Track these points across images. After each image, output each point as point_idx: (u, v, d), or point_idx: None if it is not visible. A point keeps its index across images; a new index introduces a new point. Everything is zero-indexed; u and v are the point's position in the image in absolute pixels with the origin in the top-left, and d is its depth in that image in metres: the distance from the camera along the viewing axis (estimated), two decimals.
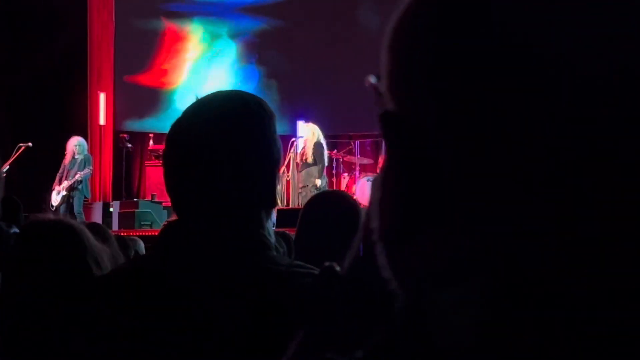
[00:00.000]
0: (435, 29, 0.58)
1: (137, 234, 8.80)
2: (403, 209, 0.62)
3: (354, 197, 12.33)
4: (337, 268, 0.72)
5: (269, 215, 1.58)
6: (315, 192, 11.16)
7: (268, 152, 1.56)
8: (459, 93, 0.56)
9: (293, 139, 11.52)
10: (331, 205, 3.04)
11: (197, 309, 1.45)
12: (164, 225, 8.23)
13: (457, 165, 0.57)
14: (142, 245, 5.44)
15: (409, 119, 0.59)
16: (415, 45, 0.59)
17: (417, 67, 0.59)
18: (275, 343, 1.40)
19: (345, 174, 13.56)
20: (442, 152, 0.57)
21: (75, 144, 12.09)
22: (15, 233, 2.00)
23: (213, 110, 1.60)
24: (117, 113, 15.17)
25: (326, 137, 11.93)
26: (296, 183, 11.38)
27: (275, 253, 1.54)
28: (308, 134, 11.36)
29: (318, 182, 11.32)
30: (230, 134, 1.54)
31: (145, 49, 15.48)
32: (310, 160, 11.19)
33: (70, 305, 1.68)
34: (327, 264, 0.73)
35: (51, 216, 2.22)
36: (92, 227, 3.73)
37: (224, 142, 1.54)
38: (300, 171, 11.24)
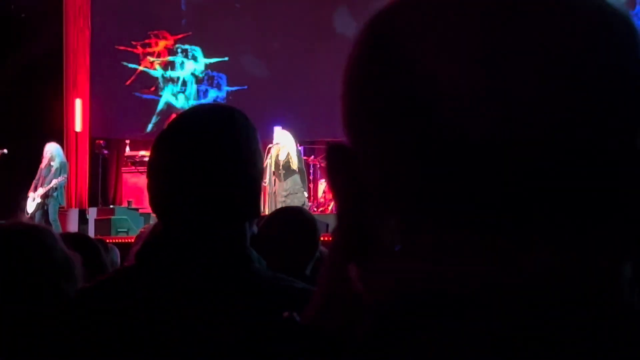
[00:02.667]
0: (369, 84, 0.62)
1: (114, 240, 8.74)
2: (347, 236, 0.66)
3: (331, 203, 12.30)
4: (297, 318, 0.72)
5: (251, 225, 1.58)
6: (305, 200, 11.18)
7: (253, 163, 1.58)
8: (392, 138, 0.60)
9: (270, 146, 11.51)
10: (289, 221, 3.06)
11: (180, 323, 1.45)
12: (140, 231, 8.17)
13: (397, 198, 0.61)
14: (117, 253, 5.39)
15: (357, 153, 0.63)
16: (357, 96, 0.63)
17: (362, 115, 0.63)
18: (258, 355, 1.40)
19: (322, 180, 13.57)
20: (383, 184, 0.61)
21: (50, 150, 12.03)
22: None
23: (200, 121, 1.61)
24: (93, 119, 15.10)
25: (303, 143, 11.92)
26: (273, 190, 11.35)
27: (258, 265, 1.54)
28: (288, 141, 11.35)
29: (305, 194, 11.37)
30: (217, 145, 1.55)
31: (121, 56, 15.44)
32: (295, 167, 11.18)
33: (49, 320, 1.66)
34: (286, 314, 0.72)
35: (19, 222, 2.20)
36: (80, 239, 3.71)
37: (211, 153, 1.55)
38: (285, 179, 11.20)
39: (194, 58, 15.80)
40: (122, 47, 15.43)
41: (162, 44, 15.73)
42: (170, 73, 15.79)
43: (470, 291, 0.57)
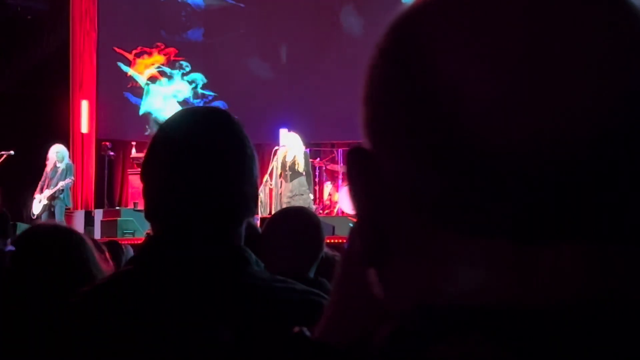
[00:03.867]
0: (392, 89, 0.61)
1: (120, 242, 8.73)
2: (367, 241, 0.64)
3: (337, 206, 12.32)
4: (307, 333, 0.70)
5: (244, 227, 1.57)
6: (310, 202, 11.18)
7: (249, 163, 1.57)
8: (415, 145, 0.59)
9: (276, 148, 11.51)
10: (293, 222, 3.04)
11: (178, 325, 1.45)
12: (146, 233, 8.15)
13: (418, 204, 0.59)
14: (132, 253, 5.40)
15: (377, 157, 0.62)
16: (380, 101, 0.62)
17: (384, 119, 0.62)
18: (257, 358, 1.40)
19: (328, 182, 13.57)
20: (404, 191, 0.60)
21: (55, 152, 12.03)
22: (10, 251, 1.97)
23: (195, 121, 1.60)
24: (99, 121, 15.12)
25: (309, 145, 11.91)
26: (279, 191, 11.34)
27: (256, 268, 1.53)
28: (295, 143, 11.34)
29: (311, 196, 11.36)
30: (213, 145, 1.54)
31: (120, 58, 15.46)
32: (301, 169, 11.18)
33: (49, 325, 1.66)
34: (296, 329, 0.70)
35: (49, 224, 2.21)
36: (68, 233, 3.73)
37: (207, 153, 1.54)
38: (291, 180, 11.19)
39: (186, 75, 15.77)
40: (118, 50, 15.41)
41: (159, 58, 15.69)
42: (152, 86, 15.74)
43: (494, 302, 0.56)
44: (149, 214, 1.58)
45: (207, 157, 1.53)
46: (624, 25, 0.57)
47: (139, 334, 1.45)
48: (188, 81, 15.80)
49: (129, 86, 15.59)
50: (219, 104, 15.19)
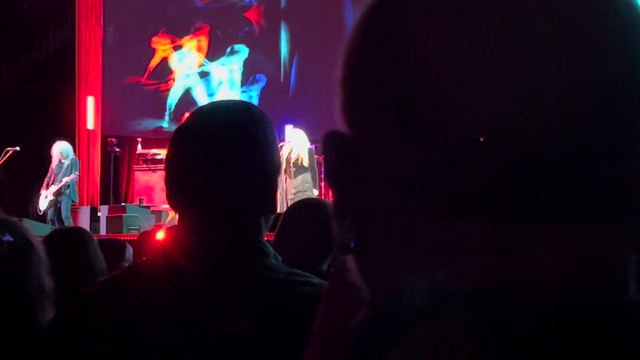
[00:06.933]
0: (366, 70, 0.60)
1: (125, 238, 8.76)
2: (343, 224, 0.63)
3: None
4: None
5: (268, 221, 1.58)
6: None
7: (270, 159, 1.58)
8: (389, 125, 0.58)
9: (282, 144, 11.53)
10: (311, 212, 3.02)
11: (195, 316, 1.45)
12: (141, 233, 8.14)
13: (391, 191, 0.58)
14: (130, 250, 5.41)
15: (355, 141, 0.61)
16: (355, 82, 0.62)
17: (360, 101, 0.61)
18: (274, 351, 1.40)
19: None
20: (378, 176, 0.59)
21: (59, 150, 12.06)
22: (8, 241, 1.96)
23: (218, 117, 1.61)
24: (105, 117, 15.16)
25: (315, 141, 11.93)
26: (285, 187, 11.37)
27: (273, 261, 1.54)
28: (300, 140, 11.39)
29: (315, 192, 11.37)
30: (235, 141, 1.55)
31: (134, 54, 15.47)
32: (306, 164, 11.21)
33: (62, 314, 1.66)
34: None
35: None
36: (73, 231, 3.74)
37: (228, 149, 1.55)
38: (295, 177, 11.23)
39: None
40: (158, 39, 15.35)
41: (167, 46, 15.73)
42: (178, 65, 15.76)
43: (474, 285, 0.54)
44: (170, 201, 1.60)
45: (226, 152, 1.54)
46: (598, 9, 0.56)
47: (156, 324, 1.46)
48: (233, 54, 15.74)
49: (128, 82, 15.55)
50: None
